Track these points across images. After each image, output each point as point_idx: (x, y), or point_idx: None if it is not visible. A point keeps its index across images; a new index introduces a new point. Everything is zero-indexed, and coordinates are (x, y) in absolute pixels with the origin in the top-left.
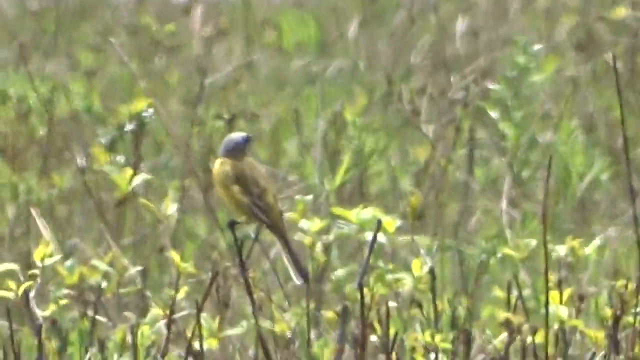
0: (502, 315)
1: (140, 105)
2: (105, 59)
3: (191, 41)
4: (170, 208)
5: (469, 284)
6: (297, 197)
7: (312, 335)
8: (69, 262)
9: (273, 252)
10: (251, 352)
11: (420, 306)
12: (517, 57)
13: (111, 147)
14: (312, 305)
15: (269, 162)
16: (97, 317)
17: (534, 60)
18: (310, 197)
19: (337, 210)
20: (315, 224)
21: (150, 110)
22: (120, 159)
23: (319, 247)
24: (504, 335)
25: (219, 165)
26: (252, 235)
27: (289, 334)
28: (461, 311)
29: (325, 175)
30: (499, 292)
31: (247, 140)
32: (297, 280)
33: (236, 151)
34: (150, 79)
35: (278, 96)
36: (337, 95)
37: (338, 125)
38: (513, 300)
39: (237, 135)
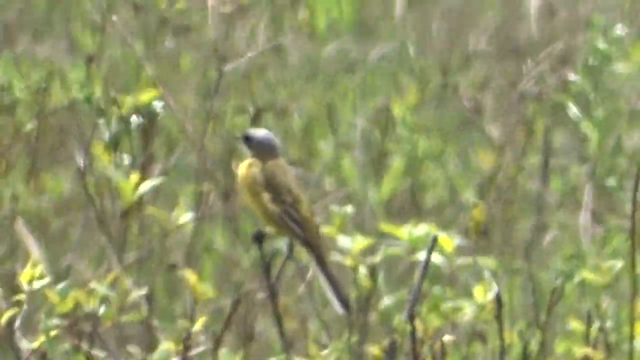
0: (581, 350)
1: (149, 95)
2: (107, 40)
3: (207, 20)
4: (184, 217)
5: (541, 314)
6: (334, 207)
7: None
8: (61, 286)
9: (309, 273)
10: None
11: (483, 340)
12: (596, 41)
13: (115, 145)
14: (354, 339)
15: (300, 163)
16: (95, 351)
17: (618, 46)
18: (350, 208)
19: (385, 225)
20: (357, 242)
21: (160, 102)
22: (126, 159)
23: (362, 270)
24: None
25: (247, 168)
26: (284, 251)
27: None
28: (533, 345)
29: (368, 182)
30: (576, 324)
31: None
32: (337, 310)
33: (266, 151)
34: (160, 65)
35: (310, 87)
36: (381, 87)
37: (383, 123)
38: (593, 334)
39: (265, 132)
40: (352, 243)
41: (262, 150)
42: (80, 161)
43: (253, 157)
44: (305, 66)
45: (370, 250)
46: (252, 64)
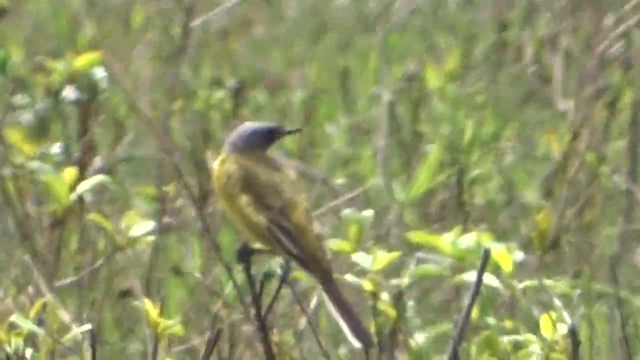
0: None
1: (88, 61)
2: None
3: None
4: (140, 227)
5: (633, 354)
6: (348, 212)
7: None
8: None
9: (312, 301)
10: None
11: None
12: None
13: (41, 130)
14: None
15: (301, 155)
16: None
17: None
18: (370, 212)
19: (418, 235)
20: (379, 259)
21: (103, 70)
22: (57, 148)
23: (384, 296)
24: None
25: (220, 164)
26: (277, 272)
27: None
28: None
29: (395, 178)
30: None
31: (273, 134)
32: (353, 343)
33: (253, 147)
34: (104, 19)
35: (315, 49)
36: (411, 49)
37: (415, 95)
38: None
39: (257, 126)
40: (372, 261)
41: (246, 145)
42: None
43: (230, 152)
44: (308, 20)
45: (396, 270)
46: (233, 16)
